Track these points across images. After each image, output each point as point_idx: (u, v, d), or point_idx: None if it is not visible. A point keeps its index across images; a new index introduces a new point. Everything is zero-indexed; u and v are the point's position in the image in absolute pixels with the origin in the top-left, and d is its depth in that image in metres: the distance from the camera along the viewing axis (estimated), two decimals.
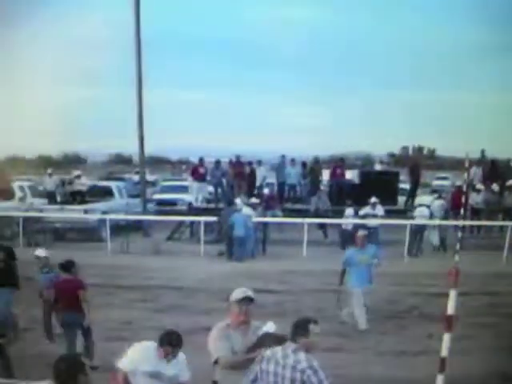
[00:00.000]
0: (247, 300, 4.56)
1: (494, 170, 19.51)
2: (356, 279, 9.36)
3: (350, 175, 23.53)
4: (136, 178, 30.61)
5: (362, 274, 9.39)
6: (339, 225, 17.33)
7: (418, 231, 16.32)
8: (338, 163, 20.79)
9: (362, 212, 16.60)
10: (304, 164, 20.81)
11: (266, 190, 19.05)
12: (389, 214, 17.01)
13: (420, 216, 16.55)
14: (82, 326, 7.60)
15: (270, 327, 4.57)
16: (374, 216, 16.28)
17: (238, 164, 20.33)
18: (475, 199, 17.86)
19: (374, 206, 16.37)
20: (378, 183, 18.51)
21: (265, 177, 20.49)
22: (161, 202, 19.61)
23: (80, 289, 7.60)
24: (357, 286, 9.36)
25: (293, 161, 20.50)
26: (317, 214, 17.69)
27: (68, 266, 7.71)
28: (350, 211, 16.79)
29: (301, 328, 4.12)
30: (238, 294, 4.60)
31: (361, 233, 9.93)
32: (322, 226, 18.15)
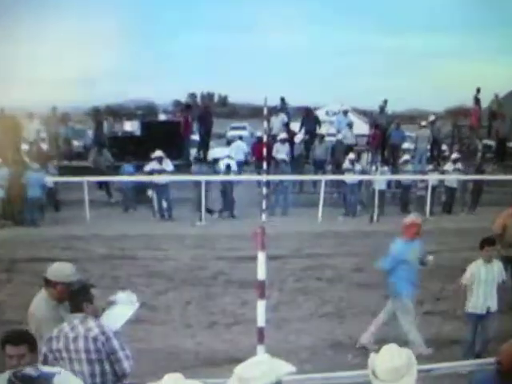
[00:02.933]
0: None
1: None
2: (406, 283, 6.87)
3: (130, 127, 22.39)
4: None
5: (412, 276, 6.93)
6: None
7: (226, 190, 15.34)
8: None
9: (147, 168, 15.25)
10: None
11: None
12: (178, 169, 16.06)
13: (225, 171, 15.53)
14: None
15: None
16: (162, 171, 15.05)
17: None
18: (280, 150, 16.55)
19: (160, 160, 15.10)
20: (162, 135, 17.52)
21: (38, 130, 18.24)
22: None
23: None
24: (406, 292, 6.91)
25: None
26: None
27: None
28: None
29: (83, 294, 4.03)
30: (68, 275, 4.36)
31: (414, 219, 7.05)
32: (102, 186, 16.95)
